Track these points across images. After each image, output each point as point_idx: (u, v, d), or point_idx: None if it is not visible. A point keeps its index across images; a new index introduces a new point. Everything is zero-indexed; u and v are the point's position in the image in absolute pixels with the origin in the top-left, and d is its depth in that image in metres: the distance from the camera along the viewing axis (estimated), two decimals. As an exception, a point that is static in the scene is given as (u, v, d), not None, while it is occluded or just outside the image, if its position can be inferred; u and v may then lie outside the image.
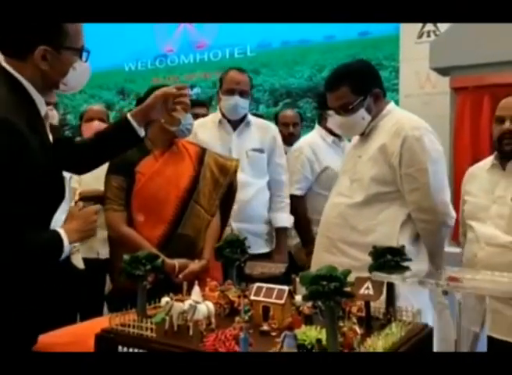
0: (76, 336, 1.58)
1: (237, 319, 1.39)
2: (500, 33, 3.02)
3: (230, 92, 2.88)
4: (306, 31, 5.17)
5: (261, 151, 2.93)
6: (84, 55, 1.60)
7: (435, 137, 2.18)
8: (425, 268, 2.09)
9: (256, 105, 5.29)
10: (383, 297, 1.50)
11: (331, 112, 2.61)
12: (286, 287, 1.46)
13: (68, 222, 1.60)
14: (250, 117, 3.02)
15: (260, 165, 2.93)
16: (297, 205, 3.06)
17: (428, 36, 4.15)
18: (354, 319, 1.36)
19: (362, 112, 2.22)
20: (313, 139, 3.26)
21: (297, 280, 1.43)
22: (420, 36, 4.20)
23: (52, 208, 1.58)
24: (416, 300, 1.84)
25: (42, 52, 1.49)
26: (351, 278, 1.21)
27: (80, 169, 1.94)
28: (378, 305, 1.53)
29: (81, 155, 1.85)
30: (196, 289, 1.48)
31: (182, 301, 1.41)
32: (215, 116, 3.03)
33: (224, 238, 1.87)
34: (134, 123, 1.80)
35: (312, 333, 1.25)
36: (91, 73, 1.67)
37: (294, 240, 3.16)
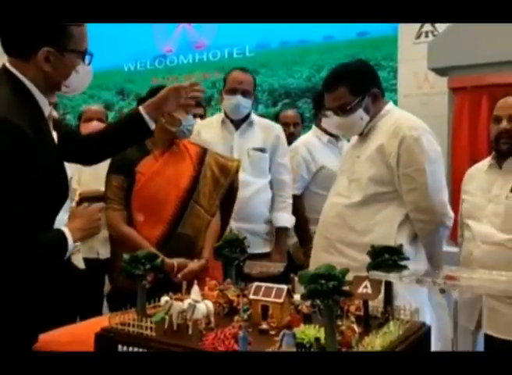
0: (76, 335, 1.58)
1: (236, 318, 1.39)
2: (498, 34, 3.03)
3: (233, 92, 2.88)
4: (305, 31, 5.17)
5: (262, 150, 2.93)
6: (87, 58, 1.60)
7: (433, 137, 2.18)
8: (423, 268, 2.09)
9: (255, 105, 5.28)
10: (381, 296, 1.51)
11: (328, 113, 2.61)
12: (284, 286, 1.47)
13: (71, 220, 1.61)
14: (254, 117, 3.02)
15: (261, 164, 2.93)
16: (294, 204, 3.06)
17: (427, 36, 4.15)
18: (353, 318, 1.37)
19: (360, 112, 2.22)
20: (309, 139, 3.28)
21: (296, 279, 1.44)
22: (418, 36, 4.21)
23: (56, 208, 1.59)
24: (414, 299, 1.84)
25: (45, 54, 1.50)
26: (349, 278, 1.22)
27: (90, 161, 1.95)
28: (377, 304, 1.53)
29: (91, 147, 1.87)
30: (195, 288, 1.49)
31: (181, 300, 1.42)
32: (219, 116, 3.04)
33: (223, 238, 1.87)
34: (146, 116, 1.81)
35: (311, 332, 1.26)
36: (91, 74, 1.68)
37: (292, 239, 3.17)
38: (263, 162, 2.93)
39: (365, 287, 1.46)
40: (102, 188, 2.42)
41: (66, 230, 1.53)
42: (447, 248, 2.42)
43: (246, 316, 1.43)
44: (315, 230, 2.43)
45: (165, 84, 2.01)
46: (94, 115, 3.45)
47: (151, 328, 1.35)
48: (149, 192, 2.30)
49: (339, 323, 1.28)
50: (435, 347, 1.58)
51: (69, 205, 2.06)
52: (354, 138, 2.42)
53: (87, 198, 2.52)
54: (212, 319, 1.42)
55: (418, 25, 4.21)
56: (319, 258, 2.24)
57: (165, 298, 1.43)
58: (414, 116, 2.27)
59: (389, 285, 1.52)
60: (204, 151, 2.50)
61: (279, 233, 2.95)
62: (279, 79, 5.55)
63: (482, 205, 2.24)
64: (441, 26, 3.78)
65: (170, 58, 6.17)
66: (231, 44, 5.70)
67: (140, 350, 1.33)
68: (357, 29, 5.03)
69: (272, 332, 1.38)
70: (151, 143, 2.37)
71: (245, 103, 2.89)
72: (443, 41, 3.38)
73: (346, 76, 2.24)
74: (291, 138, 3.46)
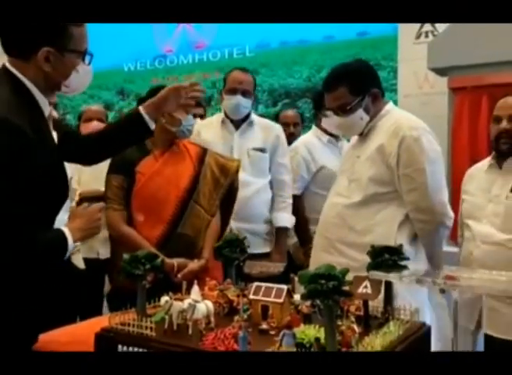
0: (76, 335, 1.58)
1: (236, 318, 1.39)
2: (498, 34, 3.03)
3: (232, 92, 2.88)
4: (305, 31, 5.17)
5: (262, 150, 2.93)
6: (87, 58, 1.60)
7: (433, 137, 2.18)
8: (423, 268, 2.09)
9: (255, 105, 5.29)
10: (381, 296, 1.51)
11: (328, 113, 2.61)
12: (284, 286, 1.47)
13: (71, 220, 1.61)
14: (254, 117, 3.02)
15: (261, 164, 2.93)
16: (294, 204, 3.06)
17: (427, 36, 4.16)
18: (353, 318, 1.37)
19: (360, 112, 2.22)
20: (309, 139, 3.28)
21: (296, 279, 1.44)
22: (418, 36, 4.21)
23: (56, 208, 1.59)
24: (414, 299, 1.84)
25: (45, 54, 1.50)
26: (349, 278, 1.22)
27: (90, 161, 1.96)
28: (377, 304, 1.53)
29: (91, 147, 1.87)
30: (195, 288, 1.49)
31: (181, 300, 1.42)
32: (219, 116, 3.04)
33: (223, 238, 1.87)
34: (146, 116, 1.81)
35: (311, 332, 1.26)
36: (90, 74, 1.68)
37: (292, 239, 3.17)
38: (263, 162, 2.93)
39: (365, 287, 1.46)
40: (102, 188, 2.43)
41: (66, 230, 1.53)
42: (447, 248, 2.43)
43: (246, 316, 1.43)
44: (315, 230, 2.43)
45: (165, 84, 2.01)
46: (94, 115, 3.45)
47: (151, 328, 1.35)
48: (149, 192, 2.30)
49: (339, 323, 1.28)
50: (435, 347, 1.58)
51: (69, 205, 2.06)
52: (354, 138, 2.42)
53: (86, 198, 2.52)
54: (212, 319, 1.42)
55: (418, 25, 4.22)
56: (319, 259, 2.24)
57: (165, 298, 1.43)
58: (414, 115, 2.27)
59: (389, 285, 1.52)
60: (204, 151, 2.50)
61: (279, 233, 2.95)
62: (279, 79, 5.55)
63: (482, 205, 2.24)
64: (441, 26, 3.78)
65: (170, 59, 6.17)
66: (231, 44, 5.71)
67: (140, 350, 1.33)
68: (357, 29, 5.03)
69: (272, 332, 1.38)
70: (151, 143, 2.37)
71: (245, 103, 2.89)
72: (443, 41, 3.39)
73: (346, 76, 2.24)
74: (291, 138, 3.46)
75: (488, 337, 1.95)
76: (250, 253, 1.89)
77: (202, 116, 3.53)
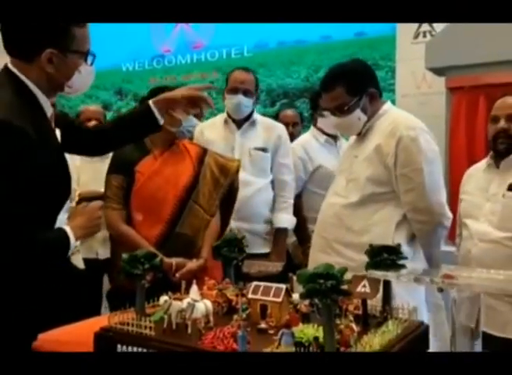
0: (76, 335, 1.58)
1: (235, 317, 1.39)
2: (496, 34, 3.04)
3: (234, 91, 2.89)
4: (302, 31, 5.17)
5: (264, 150, 2.93)
6: (90, 58, 1.61)
7: (431, 137, 2.18)
8: (421, 268, 2.10)
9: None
10: (380, 295, 1.51)
11: (325, 113, 2.61)
12: (283, 286, 1.47)
13: (72, 219, 1.61)
14: (257, 116, 3.02)
15: (262, 164, 2.93)
16: (293, 203, 3.07)
17: (424, 36, 4.16)
18: (351, 317, 1.37)
19: (358, 112, 2.23)
20: (306, 139, 3.29)
21: (294, 278, 1.44)
22: (416, 36, 4.22)
23: (58, 207, 1.59)
24: (412, 298, 1.85)
25: (49, 55, 1.50)
26: (347, 277, 1.22)
27: (93, 152, 1.98)
28: (375, 303, 1.54)
29: (97, 139, 1.88)
30: (194, 288, 1.49)
31: (180, 299, 1.42)
32: (221, 116, 3.04)
33: (222, 237, 1.87)
34: (155, 111, 1.82)
35: (309, 331, 1.26)
36: (89, 74, 1.68)
37: (291, 238, 3.17)
38: (264, 161, 2.93)
39: (364, 286, 1.46)
40: (101, 189, 2.43)
41: (68, 229, 1.54)
42: (445, 247, 2.43)
43: (245, 316, 1.44)
44: (313, 229, 2.43)
45: (166, 85, 2.02)
46: (92, 115, 3.46)
47: (150, 327, 1.35)
48: (148, 192, 2.30)
49: (338, 322, 1.28)
50: (431, 347, 1.58)
51: (68, 205, 2.06)
52: (353, 138, 2.42)
53: (86, 199, 2.52)
54: (211, 318, 1.42)
55: (416, 25, 4.22)
56: (317, 259, 2.24)
57: (164, 298, 1.43)
58: (412, 115, 2.27)
59: (387, 284, 1.53)
60: (203, 152, 2.51)
61: (279, 234, 2.94)
62: (276, 79, 5.55)
63: (480, 204, 2.25)
64: (439, 26, 3.79)
65: (168, 59, 6.17)
66: (229, 44, 5.70)
67: (140, 349, 1.33)
68: (354, 29, 5.03)
69: (271, 331, 1.38)
70: (151, 143, 2.37)
71: (246, 102, 2.90)
72: (441, 41, 3.39)
73: (342, 76, 2.24)
74: (290, 138, 3.46)
75: (485, 335, 1.96)
76: (250, 253, 1.89)
77: (198, 115, 3.53)
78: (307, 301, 1.43)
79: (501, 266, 1.75)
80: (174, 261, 2.24)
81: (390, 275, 1.43)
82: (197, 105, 1.90)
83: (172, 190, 2.34)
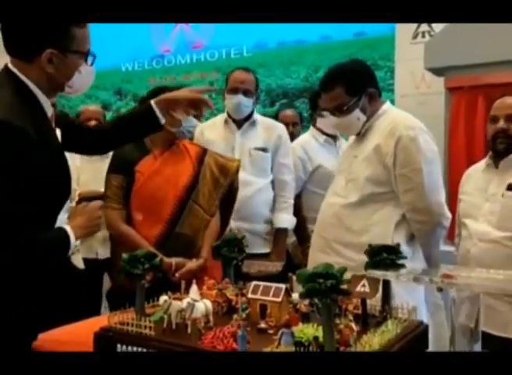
0: (76, 334, 1.58)
1: (235, 316, 1.40)
2: (495, 34, 3.04)
3: (234, 91, 2.89)
4: (302, 32, 5.18)
5: (264, 150, 2.92)
6: (90, 58, 1.61)
7: (430, 137, 2.18)
8: (420, 267, 2.10)
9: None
10: (379, 294, 1.51)
11: (325, 113, 2.61)
12: (283, 285, 1.47)
13: (72, 219, 1.62)
14: (257, 116, 3.03)
15: (262, 164, 2.92)
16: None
17: (423, 36, 4.17)
18: (351, 317, 1.37)
19: (357, 112, 2.23)
20: (305, 139, 3.30)
21: (294, 278, 1.44)
22: (415, 36, 4.22)
23: (58, 207, 1.59)
24: (411, 298, 1.85)
25: (49, 55, 1.50)
26: (346, 277, 1.22)
27: (94, 151, 1.99)
28: (374, 303, 1.54)
29: (98, 138, 1.88)
30: (194, 287, 1.49)
31: (180, 299, 1.42)
32: (222, 116, 3.05)
33: (222, 237, 1.88)
34: (157, 111, 1.82)
35: (309, 331, 1.26)
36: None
37: (291, 238, 3.18)
38: (264, 161, 2.93)
39: (363, 285, 1.46)
40: (101, 189, 2.43)
41: (68, 228, 1.54)
42: (444, 247, 2.43)
43: (244, 315, 1.44)
44: (313, 229, 2.43)
45: (166, 85, 2.02)
46: (91, 115, 3.46)
47: (150, 327, 1.36)
48: (148, 191, 2.31)
49: (338, 321, 1.28)
50: (431, 346, 1.58)
51: (68, 205, 2.06)
52: (352, 138, 2.43)
53: (86, 199, 2.53)
54: (211, 318, 1.42)
55: (415, 25, 4.22)
56: (316, 259, 2.25)
57: (163, 298, 1.43)
58: (411, 115, 2.27)
59: (386, 284, 1.53)
60: (203, 152, 2.51)
61: (279, 234, 2.94)
62: (276, 79, 5.55)
63: (479, 204, 2.25)
64: (438, 27, 3.79)
65: (168, 59, 6.17)
66: (228, 44, 5.70)
67: (139, 349, 1.33)
68: (354, 29, 5.03)
69: (271, 331, 1.38)
70: (151, 142, 2.37)
71: (246, 102, 2.90)
72: (440, 41, 3.39)
73: (341, 76, 2.24)
74: (290, 138, 3.46)
75: (486, 335, 1.96)
76: (250, 253, 1.89)
77: (198, 116, 3.54)
78: (306, 301, 1.43)
79: (500, 265, 1.75)
80: (174, 261, 2.24)
81: (390, 274, 1.43)
82: (197, 107, 1.90)
83: (172, 190, 2.34)
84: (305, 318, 1.44)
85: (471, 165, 2.51)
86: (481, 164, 2.37)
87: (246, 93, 2.88)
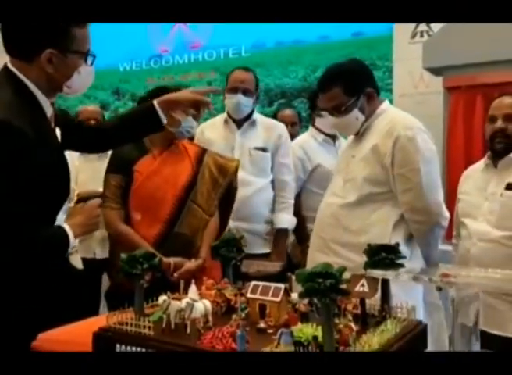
0: (75, 334, 1.58)
1: (234, 316, 1.40)
2: (493, 33, 3.04)
3: (234, 91, 2.89)
4: (300, 32, 5.18)
5: (264, 150, 2.92)
6: (90, 58, 1.61)
7: (428, 136, 2.18)
8: (419, 267, 2.10)
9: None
10: (378, 294, 1.51)
11: (323, 113, 2.61)
12: (282, 285, 1.47)
13: (71, 217, 1.62)
14: (257, 116, 3.02)
15: (262, 164, 2.92)
16: None
17: (422, 36, 4.17)
18: (350, 316, 1.37)
19: (355, 112, 2.22)
20: (304, 139, 3.30)
21: (293, 277, 1.44)
22: (413, 36, 4.23)
23: (58, 206, 1.60)
24: (410, 298, 1.85)
25: (49, 55, 1.50)
26: (345, 277, 1.22)
27: (94, 150, 2.04)
28: (374, 303, 1.54)
29: (99, 136, 1.88)
30: (193, 287, 1.49)
31: (179, 299, 1.42)
32: (222, 116, 3.05)
33: (221, 237, 1.87)
34: (159, 110, 1.83)
35: (308, 331, 1.26)
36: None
37: (290, 238, 3.18)
38: (264, 161, 2.93)
39: (362, 285, 1.46)
40: (100, 189, 2.43)
41: (67, 227, 1.54)
42: (442, 246, 2.43)
43: (243, 315, 1.44)
44: (312, 228, 2.43)
45: (165, 85, 2.02)
46: (90, 115, 3.47)
47: (149, 327, 1.35)
48: (146, 191, 2.31)
49: (337, 321, 1.28)
50: (430, 346, 1.58)
51: (67, 205, 2.06)
52: (350, 138, 2.43)
53: (84, 199, 2.52)
54: (210, 318, 1.42)
55: (413, 25, 4.23)
56: (314, 259, 2.25)
57: (163, 298, 1.43)
58: (409, 115, 2.27)
59: (386, 283, 1.53)
60: (202, 151, 2.51)
61: (279, 234, 2.94)
62: (274, 79, 5.55)
63: (478, 204, 2.25)
64: (436, 26, 3.80)
65: (166, 59, 6.17)
66: (227, 44, 5.70)
67: (138, 349, 1.33)
68: (352, 29, 5.03)
69: (270, 331, 1.38)
70: (150, 142, 2.37)
71: (246, 102, 2.90)
72: (438, 41, 3.40)
73: (340, 76, 2.24)
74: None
75: (485, 334, 1.97)
76: (250, 253, 1.89)
77: (196, 116, 3.53)
78: (305, 301, 1.43)
79: (500, 265, 1.76)
80: (172, 261, 2.24)
81: (389, 274, 1.43)
82: (198, 108, 1.90)
83: (171, 189, 2.34)
84: (304, 318, 1.44)
85: (469, 164, 2.51)
86: (480, 164, 2.38)
87: (245, 92, 2.88)
